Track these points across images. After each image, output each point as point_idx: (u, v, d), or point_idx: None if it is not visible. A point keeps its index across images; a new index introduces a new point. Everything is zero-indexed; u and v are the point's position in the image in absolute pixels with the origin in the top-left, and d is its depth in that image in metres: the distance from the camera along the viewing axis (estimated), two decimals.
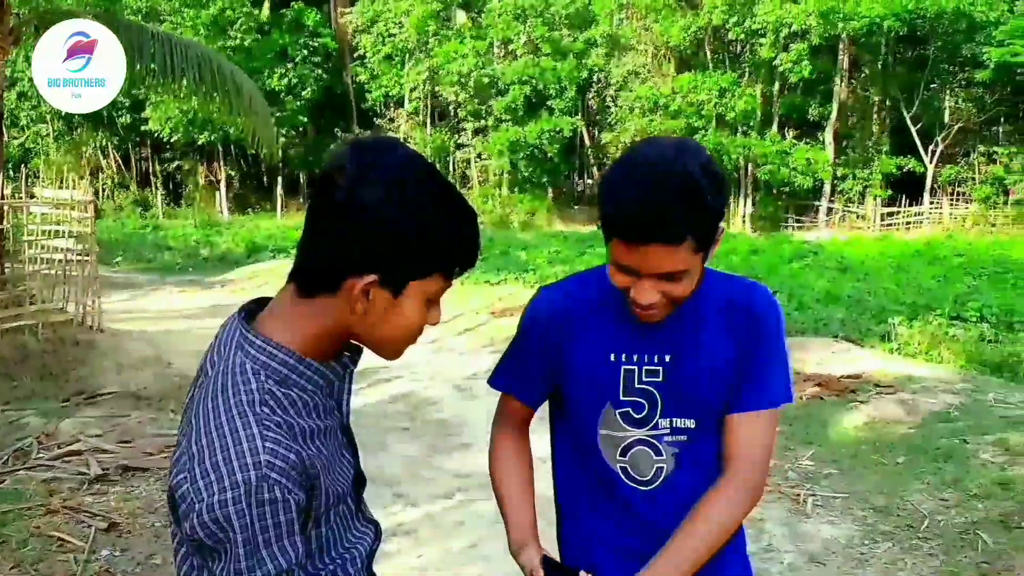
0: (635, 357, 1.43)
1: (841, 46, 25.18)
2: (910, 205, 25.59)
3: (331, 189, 1.02)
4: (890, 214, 25.64)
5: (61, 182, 11.42)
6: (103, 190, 27.85)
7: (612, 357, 1.44)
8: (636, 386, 1.43)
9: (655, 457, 1.45)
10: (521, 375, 1.55)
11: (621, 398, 1.44)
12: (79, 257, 8.25)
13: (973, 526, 3.97)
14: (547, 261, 14.06)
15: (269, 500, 0.95)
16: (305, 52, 27.77)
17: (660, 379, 1.43)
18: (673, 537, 1.39)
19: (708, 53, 27.27)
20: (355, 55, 30.14)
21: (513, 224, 26.43)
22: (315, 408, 1.08)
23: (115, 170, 29.21)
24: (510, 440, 1.60)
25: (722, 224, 1.32)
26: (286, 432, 1.00)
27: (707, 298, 1.44)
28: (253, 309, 1.12)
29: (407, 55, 28.92)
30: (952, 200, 25.75)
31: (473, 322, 9.85)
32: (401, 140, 1.13)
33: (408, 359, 7.93)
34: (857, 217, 26.13)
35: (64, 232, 8.49)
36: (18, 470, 4.55)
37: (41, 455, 4.79)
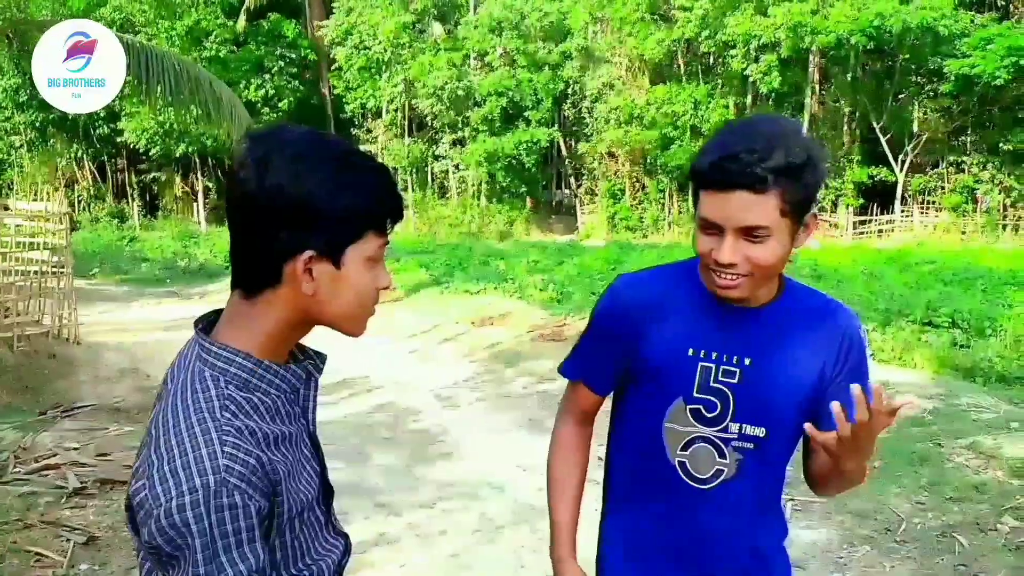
0: (714, 355, 1.40)
1: (811, 58, 25.52)
2: (882, 213, 25.93)
3: (240, 185, 1.02)
4: (862, 222, 25.95)
5: (35, 194, 11.32)
6: (78, 201, 27.47)
7: (691, 351, 1.41)
8: (711, 384, 1.40)
9: (717, 458, 1.42)
10: (594, 363, 1.52)
11: (694, 394, 1.41)
12: (55, 269, 8.18)
13: (949, 529, 4.04)
14: (526, 271, 14.05)
15: (228, 505, 0.94)
16: (282, 63, 27.63)
17: (736, 380, 1.40)
18: None
19: (681, 65, 27.52)
20: (332, 67, 30.09)
21: (491, 234, 26.47)
22: (279, 413, 1.07)
23: (90, 181, 28.84)
24: (573, 435, 1.59)
25: (816, 209, 1.29)
26: (248, 437, 0.99)
27: (792, 307, 1.42)
28: (211, 321, 1.12)
29: (382, 67, 28.91)
30: (923, 208, 26.10)
31: (453, 332, 9.86)
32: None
33: (389, 369, 7.88)
34: (830, 225, 26.43)
35: (39, 244, 8.41)
36: None
37: (18, 469, 4.73)
